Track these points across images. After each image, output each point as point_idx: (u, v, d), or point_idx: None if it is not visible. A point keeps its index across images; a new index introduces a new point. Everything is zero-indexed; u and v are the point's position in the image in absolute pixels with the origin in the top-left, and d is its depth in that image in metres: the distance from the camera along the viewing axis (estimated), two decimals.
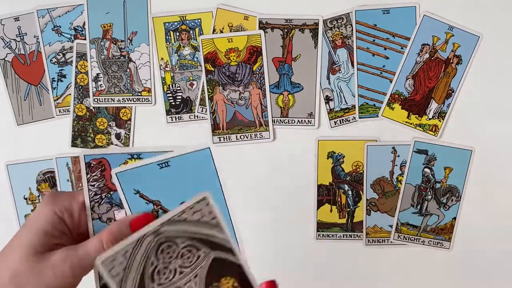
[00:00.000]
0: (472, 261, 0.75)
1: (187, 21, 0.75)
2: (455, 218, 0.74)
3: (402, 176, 0.74)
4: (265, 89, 0.75)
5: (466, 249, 0.75)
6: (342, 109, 0.75)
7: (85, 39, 0.76)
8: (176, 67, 0.76)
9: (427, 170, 0.74)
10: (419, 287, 0.76)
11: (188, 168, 0.40)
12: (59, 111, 0.78)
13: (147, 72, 0.76)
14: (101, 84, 0.77)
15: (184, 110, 0.77)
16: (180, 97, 0.76)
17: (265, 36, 0.74)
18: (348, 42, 0.74)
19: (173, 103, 0.76)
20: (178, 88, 0.76)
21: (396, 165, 0.74)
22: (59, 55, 0.77)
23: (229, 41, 0.74)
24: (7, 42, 0.77)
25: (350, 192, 0.76)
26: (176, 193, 0.40)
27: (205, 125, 0.76)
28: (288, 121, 0.75)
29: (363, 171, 0.75)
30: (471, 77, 0.72)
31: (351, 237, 0.76)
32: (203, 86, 0.75)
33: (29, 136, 0.78)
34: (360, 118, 0.74)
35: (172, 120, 0.77)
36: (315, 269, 0.75)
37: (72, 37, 0.77)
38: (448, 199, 0.74)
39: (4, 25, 0.77)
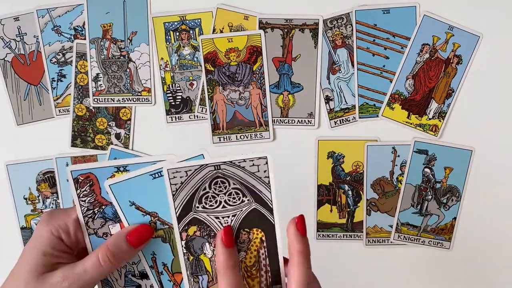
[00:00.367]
0: (472, 261, 0.75)
1: (187, 21, 0.75)
2: (455, 218, 0.74)
3: (402, 176, 0.74)
4: (265, 89, 0.75)
5: (466, 249, 0.74)
6: (342, 109, 0.75)
7: (85, 39, 0.76)
8: (176, 67, 0.76)
9: (427, 170, 0.74)
10: (419, 287, 0.76)
11: None
12: (59, 111, 0.78)
13: (147, 72, 0.76)
14: (101, 84, 0.77)
15: (184, 110, 0.76)
16: (180, 97, 0.76)
17: (265, 36, 0.74)
18: (348, 42, 0.74)
19: (173, 103, 0.76)
20: (178, 88, 0.76)
21: (396, 165, 0.74)
22: (59, 55, 0.77)
23: (229, 41, 0.74)
24: (7, 42, 0.77)
25: (350, 192, 0.75)
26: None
27: (205, 125, 0.76)
28: (288, 121, 0.75)
29: (363, 171, 0.75)
30: (471, 77, 0.72)
31: (351, 237, 0.76)
32: (203, 86, 0.75)
33: (29, 136, 0.78)
34: (360, 118, 0.74)
35: (172, 120, 0.77)
36: (315, 269, 0.74)
37: (72, 37, 0.77)
38: (448, 199, 0.74)
39: (4, 25, 0.77)
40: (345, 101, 0.74)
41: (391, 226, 0.75)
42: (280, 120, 0.75)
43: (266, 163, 0.39)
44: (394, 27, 0.72)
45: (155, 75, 0.76)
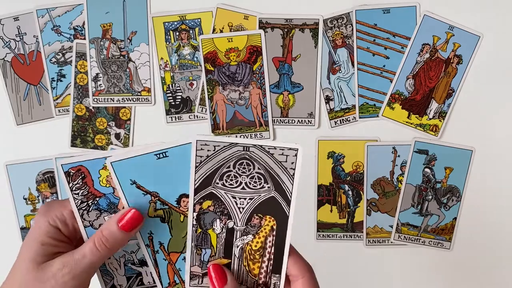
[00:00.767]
0: (473, 261, 0.74)
1: (187, 21, 0.75)
2: (455, 218, 0.74)
3: (403, 176, 0.74)
4: (265, 89, 0.75)
5: (466, 249, 0.74)
6: (342, 109, 0.75)
7: (84, 38, 0.76)
8: (176, 66, 0.76)
9: (427, 170, 0.73)
10: (419, 287, 0.76)
11: (187, 158, 0.39)
12: (59, 111, 0.78)
13: (146, 72, 0.76)
14: (101, 84, 0.76)
15: (184, 110, 0.76)
16: (180, 97, 0.76)
17: (265, 35, 0.74)
18: (348, 41, 0.73)
19: (173, 103, 0.76)
20: (178, 88, 0.76)
21: (396, 165, 0.74)
22: (59, 54, 0.77)
23: (229, 41, 0.74)
24: (7, 42, 0.77)
25: (350, 192, 0.75)
26: (174, 183, 0.40)
27: (205, 125, 0.76)
28: (288, 121, 0.75)
29: (363, 171, 0.75)
30: (471, 77, 0.72)
31: (351, 237, 0.76)
32: (203, 86, 0.75)
33: (28, 136, 0.78)
34: (360, 118, 0.74)
35: (172, 120, 0.76)
36: (315, 269, 0.74)
37: (72, 37, 0.77)
38: (449, 199, 0.74)
39: (3, 24, 0.77)
40: (345, 101, 0.74)
41: (391, 226, 0.75)
42: (280, 120, 0.75)
43: (296, 155, 0.39)
44: (394, 27, 0.72)
45: (155, 75, 0.76)
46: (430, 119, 0.73)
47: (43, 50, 0.77)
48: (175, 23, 0.75)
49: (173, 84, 0.76)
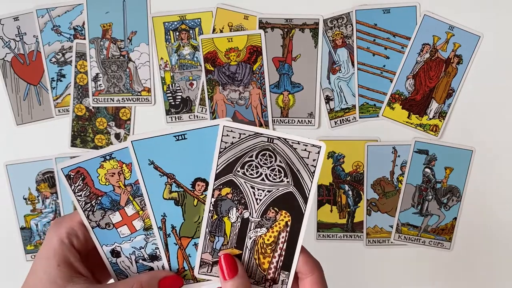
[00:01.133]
0: (473, 261, 0.74)
1: (187, 21, 0.75)
2: (455, 218, 0.74)
3: (403, 176, 0.74)
4: (265, 89, 0.75)
5: (467, 250, 0.74)
6: (342, 109, 0.74)
7: (84, 38, 0.76)
8: (176, 66, 0.76)
9: (427, 170, 0.73)
10: (419, 287, 0.76)
11: (205, 142, 0.40)
12: (59, 111, 0.78)
13: (146, 72, 0.76)
14: (101, 84, 0.76)
15: (184, 110, 0.76)
16: (180, 97, 0.76)
17: (265, 35, 0.74)
18: (349, 41, 0.73)
19: (173, 103, 0.76)
20: (178, 88, 0.76)
21: (396, 165, 0.74)
22: (59, 54, 0.77)
23: (229, 41, 0.74)
24: (7, 42, 0.77)
25: (350, 192, 0.75)
26: (191, 167, 0.40)
27: None
28: (288, 121, 0.75)
29: (363, 171, 0.75)
30: (471, 77, 0.72)
31: (351, 237, 0.76)
32: (203, 86, 0.75)
33: (28, 136, 0.78)
34: (360, 118, 0.74)
35: (171, 120, 0.76)
36: None
37: (72, 37, 0.77)
38: (449, 199, 0.74)
39: (3, 24, 0.77)
40: (345, 101, 0.74)
41: (392, 226, 0.75)
42: (280, 120, 0.75)
43: (318, 152, 0.39)
44: (395, 27, 0.72)
45: (155, 75, 0.76)
46: (430, 119, 0.73)
47: (43, 50, 0.77)
48: (175, 23, 0.75)
49: (173, 84, 0.76)
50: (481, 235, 0.74)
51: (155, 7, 0.75)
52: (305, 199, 0.39)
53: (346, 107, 0.74)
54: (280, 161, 0.39)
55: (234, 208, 0.40)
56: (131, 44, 0.76)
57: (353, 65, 0.74)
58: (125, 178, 0.41)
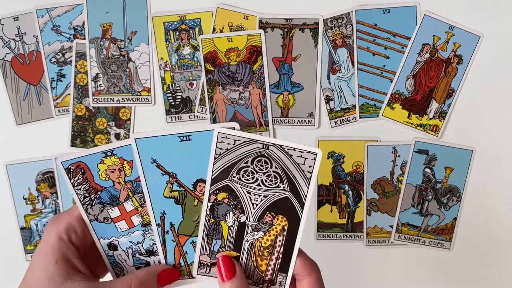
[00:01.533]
0: (473, 261, 0.74)
1: (187, 21, 0.75)
2: (455, 218, 0.74)
3: (403, 176, 0.74)
4: (265, 89, 0.75)
5: (467, 250, 0.74)
6: (342, 109, 0.74)
7: (84, 38, 0.76)
8: (176, 66, 0.76)
9: (427, 170, 0.73)
10: (419, 287, 0.76)
11: (209, 144, 0.40)
12: (59, 111, 0.78)
13: (146, 72, 0.76)
14: (101, 84, 0.76)
15: (184, 110, 0.76)
16: (179, 97, 0.76)
17: (265, 35, 0.74)
18: (349, 41, 0.73)
19: (173, 103, 0.76)
20: (178, 88, 0.76)
21: (396, 165, 0.74)
22: (59, 54, 0.77)
23: (229, 41, 0.74)
24: (6, 42, 0.77)
25: (350, 192, 0.75)
26: (193, 167, 0.40)
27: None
28: (288, 121, 0.75)
29: (363, 171, 0.75)
30: (471, 77, 0.72)
31: (351, 237, 0.76)
32: (203, 86, 0.75)
33: (28, 136, 0.78)
34: (360, 118, 0.74)
35: (171, 120, 0.76)
36: None
37: (72, 37, 0.77)
38: (449, 199, 0.74)
39: (3, 24, 0.77)
40: (345, 101, 0.74)
41: (392, 226, 0.75)
42: (280, 120, 0.75)
43: (314, 159, 0.39)
44: (395, 26, 0.72)
45: (154, 75, 0.76)
46: (430, 119, 0.73)
47: (43, 50, 0.77)
48: (175, 23, 0.75)
49: (173, 84, 0.76)
50: (481, 235, 0.74)
51: (155, 7, 0.75)
52: (302, 205, 0.39)
53: (346, 107, 0.74)
54: (275, 167, 0.39)
55: (231, 212, 0.40)
56: (131, 44, 0.76)
57: (353, 65, 0.74)
58: (125, 175, 0.41)
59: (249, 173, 0.40)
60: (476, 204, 0.74)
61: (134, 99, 0.76)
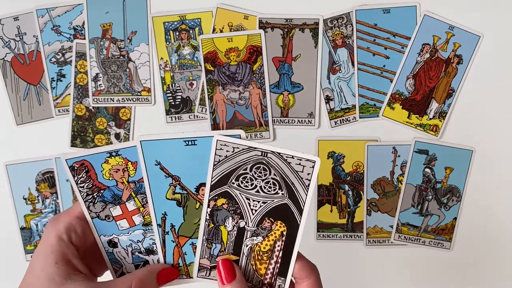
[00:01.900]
0: (473, 261, 0.74)
1: (187, 21, 0.75)
2: (455, 219, 0.74)
3: (403, 176, 0.74)
4: (265, 89, 0.75)
5: (466, 249, 0.74)
6: (342, 109, 0.74)
7: (84, 38, 0.76)
8: (176, 66, 0.76)
9: (427, 170, 0.73)
10: (419, 287, 0.76)
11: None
12: (59, 111, 0.78)
13: (146, 72, 0.76)
14: (101, 84, 0.76)
15: (184, 110, 0.76)
16: (179, 97, 0.76)
17: (265, 35, 0.74)
18: (349, 41, 0.73)
19: (173, 103, 0.76)
20: (178, 88, 0.76)
21: (396, 165, 0.74)
22: (59, 54, 0.77)
23: (229, 41, 0.74)
24: (6, 42, 0.77)
25: (350, 192, 0.75)
26: (197, 171, 0.41)
27: (205, 125, 0.76)
28: (288, 121, 0.75)
29: (363, 171, 0.75)
30: (471, 77, 0.72)
31: (351, 237, 0.76)
32: (203, 86, 0.75)
33: (28, 136, 0.78)
34: (360, 118, 0.74)
35: (171, 120, 0.76)
36: None
37: (72, 37, 0.77)
38: (449, 199, 0.74)
39: (3, 24, 0.77)
40: (345, 101, 0.74)
41: (392, 226, 0.75)
42: (280, 120, 0.75)
43: (313, 167, 0.39)
44: (395, 26, 0.72)
45: (154, 75, 0.76)
46: (430, 119, 0.73)
47: (43, 50, 0.77)
48: (175, 23, 0.75)
49: (173, 84, 0.76)
50: (481, 235, 0.74)
51: (155, 7, 0.75)
52: (300, 211, 0.40)
53: (346, 107, 0.74)
54: (274, 174, 0.40)
55: (230, 218, 0.41)
56: (131, 44, 0.76)
57: (353, 65, 0.74)
58: (129, 175, 0.41)
59: (248, 179, 0.40)
60: (476, 204, 0.74)
61: (134, 99, 0.76)
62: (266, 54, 0.74)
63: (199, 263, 0.42)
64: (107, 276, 0.43)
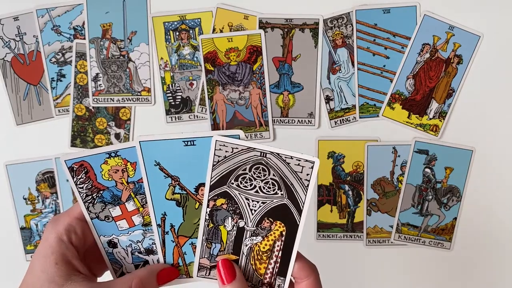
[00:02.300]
0: (473, 261, 0.74)
1: (187, 21, 0.75)
2: (455, 219, 0.74)
3: (403, 176, 0.74)
4: (265, 89, 0.75)
5: (466, 250, 0.74)
6: (342, 109, 0.74)
7: (84, 38, 0.76)
8: (176, 66, 0.76)
9: (427, 170, 0.73)
10: (419, 287, 0.76)
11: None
12: (59, 111, 0.78)
13: (146, 72, 0.76)
14: (101, 84, 0.76)
15: (184, 110, 0.76)
16: (179, 97, 0.76)
17: (265, 35, 0.74)
18: (349, 41, 0.73)
19: (173, 103, 0.76)
20: (178, 88, 0.76)
21: (396, 165, 0.74)
22: (59, 54, 0.77)
23: (229, 41, 0.74)
24: (6, 42, 0.77)
25: (350, 192, 0.75)
26: (196, 172, 0.41)
27: (205, 125, 0.76)
28: (288, 121, 0.75)
29: (363, 171, 0.75)
30: (471, 77, 0.72)
31: (351, 237, 0.76)
32: (203, 86, 0.75)
33: (28, 136, 0.78)
34: (360, 118, 0.74)
35: (171, 120, 0.76)
36: None
37: (72, 37, 0.77)
38: (449, 199, 0.74)
39: (3, 24, 0.77)
40: (346, 101, 0.74)
41: (392, 226, 0.75)
42: (280, 120, 0.75)
43: (312, 167, 0.39)
44: (395, 26, 0.72)
45: (154, 75, 0.76)
46: (430, 119, 0.73)
47: (43, 50, 0.77)
48: (175, 23, 0.75)
49: (173, 84, 0.76)
50: (481, 235, 0.74)
51: (155, 7, 0.75)
52: (300, 211, 0.40)
53: (346, 107, 0.74)
54: (273, 175, 0.40)
55: (229, 218, 0.41)
56: (131, 44, 0.76)
57: (353, 65, 0.74)
58: (128, 176, 0.41)
59: (247, 180, 0.40)
60: (476, 204, 0.73)
61: (134, 99, 0.76)
62: (266, 54, 0.74)
63: (199, 263, 0.42)
64: (107, 276, 0.43)
